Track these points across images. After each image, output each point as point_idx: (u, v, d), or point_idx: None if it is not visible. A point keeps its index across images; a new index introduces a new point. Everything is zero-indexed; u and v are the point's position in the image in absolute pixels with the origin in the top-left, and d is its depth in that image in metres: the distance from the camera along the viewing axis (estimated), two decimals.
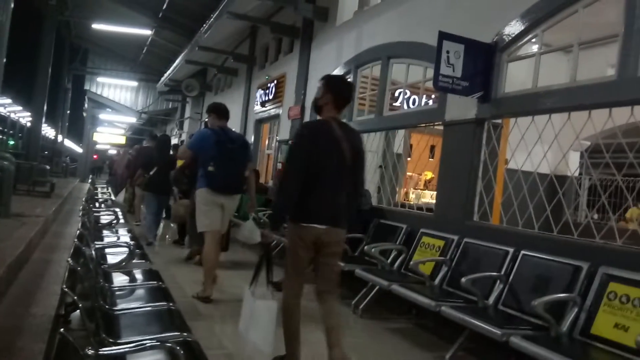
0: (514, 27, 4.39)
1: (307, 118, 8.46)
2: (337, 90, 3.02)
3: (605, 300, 2.91)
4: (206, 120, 5.14)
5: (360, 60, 7.06)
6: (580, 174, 9.82)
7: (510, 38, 4.43)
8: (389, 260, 4.84)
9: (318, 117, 3.08)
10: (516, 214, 4.25)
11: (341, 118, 3.09)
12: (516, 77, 4.65)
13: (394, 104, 7.57)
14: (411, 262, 4.58)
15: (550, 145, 4.14)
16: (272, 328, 2.83)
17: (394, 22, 6.38)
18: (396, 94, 7.90)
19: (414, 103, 7.92)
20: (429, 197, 9.30)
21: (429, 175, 10.15)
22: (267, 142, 11.27)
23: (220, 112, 4.81)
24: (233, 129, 5.02)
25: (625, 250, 3.19)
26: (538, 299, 2.94)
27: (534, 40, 4.38)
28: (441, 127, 5.26)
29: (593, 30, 4.01)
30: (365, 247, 4.89)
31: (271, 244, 3.12)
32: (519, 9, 4.32)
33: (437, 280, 4.22)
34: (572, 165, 7.58)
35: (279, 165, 9.20)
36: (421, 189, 10.56)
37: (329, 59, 8.00)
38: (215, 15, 10.58)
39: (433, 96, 6.33)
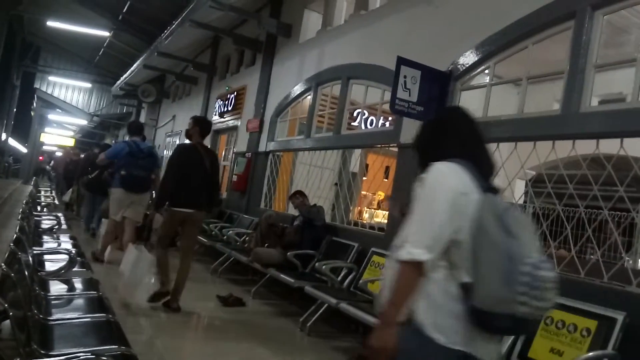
0: (468, 58, 4.58)
1: (265, 131, 8.45)
2: (201, 126, 4.74)
3: (543, 325, 3.02)
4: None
5: (321, 78, 7.15)
6: (525, 202, 10.24)
7: (464, 68, 4.61)
8: (339, 278, 4.85)
9: (188, 141, 4.78)
10: None
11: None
12: (468, 106, 4.83)
13: (352, 124, 7.69)
14: (360, 281, 4.61)
15: (497, 172, 4.29)
16: (149, 269, 4.66)
17: (355, 44, 6.52)
18: (355, 114, 8.05)
19: (371, 124, 8.09)
20: (381, 217, 9.45)
21: (382, 195, 10.32)
22: (223, 153, 11.14)
23: (131, 129, 6.53)
24: (148, 143, 6.59)
25: (562, 278, 3.34)
26: None
27: (486, 71, 4.58)
28: (396, 149, 5.37)
29: (541, 66, 4.24)
30: (317, 264, 4.89)
31: (153, 218, 5.20)
32: (473, 41, 4.52)
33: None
34: (519, 192, 7.89)
35: (235, 177, 9.10)
36: (374, 209, 10.72)
37: (290, 75, 8.05)
38: (177, 22, 10.45)
39: (390, 118, 6.48)
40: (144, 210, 6.39)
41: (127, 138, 6.71)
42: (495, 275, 1.51)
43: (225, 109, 10.44)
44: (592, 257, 5.56)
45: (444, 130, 1.83)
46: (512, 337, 3.12)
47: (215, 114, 10.99)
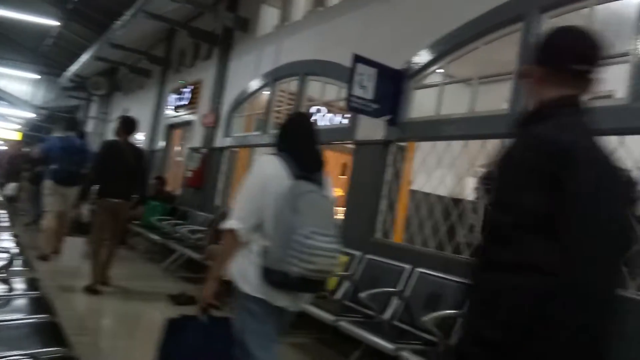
0: (422, 57, 4.66)
1: (222, 126, 8.32)
2: (125, 124, 5.16)
3: None
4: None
5: (278, 74, 7.10)
6: (476, 198, 10.50)
7: (418, 67, 4.69)
8: None
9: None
10: (417, 233, 4.45)
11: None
12: (423, 104, 4.91)
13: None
14: None
15: (449, 170, 4.40)
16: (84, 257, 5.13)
17: (312, 41, 6.51)
18: (312, 111, 8.03)
19: (330, 121, 8.10)
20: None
21: (338, 192, 10.37)
22: (178, 148, 10.89)
23: (66, 125, 6.98)
24: (78, 140, 6.61)
25: None
26: (428, 315, 3.08)
27: (439, 70, 4.67)
28: (352, 146, 5.41)
29: (492, 66, 4.36)
30: None
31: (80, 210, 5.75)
32: (427, 41, 4.60)
33: (339, 296, 4.29)
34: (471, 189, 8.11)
35: (189, 173, 8.91)
36: None
37: (247, 70, 7.96)
38: (130, 13, 10.11)
39: (349, 115, 6.51)
40: (72, 202, 6.44)
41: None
42: (277, 240, 2.01)
43: (181, 103, 10.21)
44: None
45: (283, 131, 2.34)
46: None
47: (170, 108, 10.73)
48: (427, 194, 4.52)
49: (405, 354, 2.87)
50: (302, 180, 2.09)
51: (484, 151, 4.00)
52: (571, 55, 1.35)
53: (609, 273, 1.18)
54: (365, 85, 4.60)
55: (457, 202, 4.60)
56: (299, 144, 2.25)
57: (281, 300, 2.10)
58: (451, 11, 4.47)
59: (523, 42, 3.76)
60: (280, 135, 2.33)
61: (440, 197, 4.49)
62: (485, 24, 4.06)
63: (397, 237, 4.90)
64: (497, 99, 5.29)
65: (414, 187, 4.87)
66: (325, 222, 2.06)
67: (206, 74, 9.41)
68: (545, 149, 1.23)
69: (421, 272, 3.80)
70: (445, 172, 4.41)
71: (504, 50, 4.15)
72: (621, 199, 1.25)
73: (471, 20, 4.16)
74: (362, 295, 3.63)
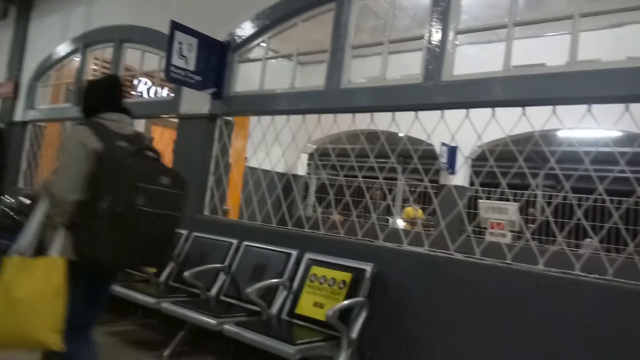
0: (244, 30, 4.60)
1: (23, 97, 7.22)
2: None
3: (308, 282, 3.29)
4: None
5: (90, 39, 6.38)
6: (308, 173, 11.03)
7: (241, 40, 4.62)
8: None
9: None
10: (253, 209, 4.41)
11: None
12: (250, 78, 4.86)
13: (132, 93, 7.12)
14: None
15: (272, 145, 4.40)
16: None
17: (127, 4, 5.98)
18: (136, 82, 7.44)
19: (155, 94, 7.59)
20: None
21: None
22: None
23: None
24: None
25: (325, 238, 3.68)
26: (251, 286, 3.14)
27: (263, 44, 4.67)
28: (177, 120, 5.16)
29: (311, 44, 4.49)
30: None
31: None
32: (249, 13, 4.54)
33: (162, 277, 4.10)
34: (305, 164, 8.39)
35: None
36: None
37: (52, 33, 7.00)
38: None
39: (174, 88, 6.16)
40: None
41: None
42: None
43: None
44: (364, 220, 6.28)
45: None
46: (283, 297, 3.32)
47: None
48: (263, 170, 4.50)
49: (228, 327, 2.87)
50: None
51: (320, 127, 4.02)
52: None
53: None
54: (186, 55, 4.38)
55: (282, 176, 4.72)
56: None
57: None
58: None
59: (336, 21, 3.94)
60: None
61: (268, 172, 4.53)
62: (302, 1, 4.16)
63: (233, 213, 4.85)
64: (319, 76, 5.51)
65: (252, 163, 4.79)
66: None
67: (1, 35, 8.03)
68: None
69: (247, 245, 3.84)
70: (283, 148, 4.39)
71: (323, 28, 4.30)
72: None
73: None
74: (186, 273, 3.54)
